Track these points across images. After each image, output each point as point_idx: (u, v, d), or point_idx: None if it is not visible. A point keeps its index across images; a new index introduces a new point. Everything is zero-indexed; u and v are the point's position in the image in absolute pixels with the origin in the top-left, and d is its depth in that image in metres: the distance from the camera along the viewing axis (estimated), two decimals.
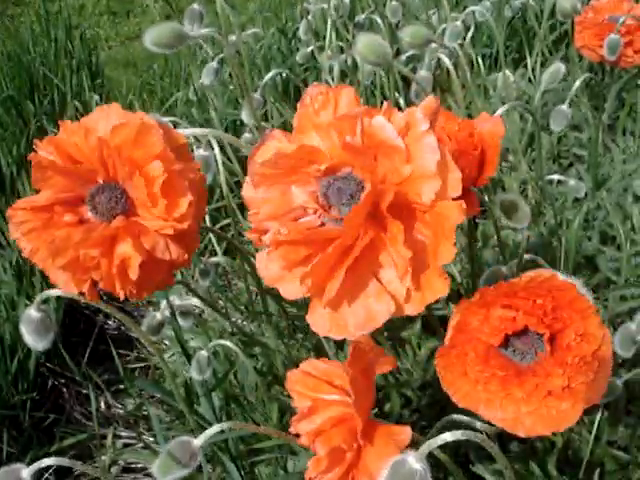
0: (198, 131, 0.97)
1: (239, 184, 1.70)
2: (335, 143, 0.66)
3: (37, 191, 0.79)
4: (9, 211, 0.77)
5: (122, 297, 0.75)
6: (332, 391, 0.74)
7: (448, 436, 0.60)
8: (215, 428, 0.72)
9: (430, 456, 0.70)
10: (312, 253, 0.64)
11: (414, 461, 0.56)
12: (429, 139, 0.62)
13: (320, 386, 0.75)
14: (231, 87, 2.16)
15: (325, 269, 0.63)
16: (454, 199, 0.63)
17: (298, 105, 0.70)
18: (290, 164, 0.67)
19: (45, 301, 0.80)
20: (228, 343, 1.05)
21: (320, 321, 0.65)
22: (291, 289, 0.66)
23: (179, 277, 1.43)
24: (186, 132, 0.88)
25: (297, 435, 0.74)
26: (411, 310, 0.63)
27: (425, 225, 0.63)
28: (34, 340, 0.80)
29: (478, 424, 0.76)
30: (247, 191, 0.71)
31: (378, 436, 0.71)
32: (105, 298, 1.76)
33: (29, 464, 0.70)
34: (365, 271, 0.64)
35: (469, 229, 1.01)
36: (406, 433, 0.71)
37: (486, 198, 0.94)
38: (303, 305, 1.29)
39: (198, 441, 0.71)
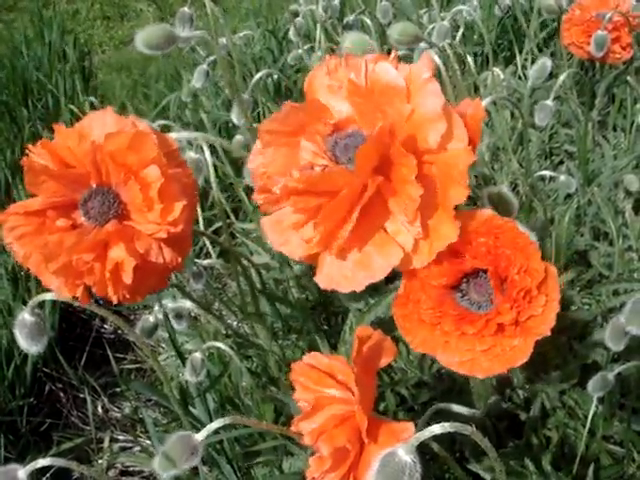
0: (186, 135, 0.98)
1: (231, 186, 1.71)
2: (343, 99, 0.68)
3: (32, 196, 0.79)
4: (1, 216, 0.78)
5: (115, 301, 0.75)
6: (335, 386, 0.73)
7: (437, 428, 0.60)
8: (216, 423, 0.72)
9: (428, 450, 0.71)
10: (322, 203, 0.64)
11: (404, 453, 0.57)
12: (432, 85, 0.64)
13: (323, 379, 0.74)
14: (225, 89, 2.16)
15: (336, 216, 0.63)
16: None
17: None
18: (299, 120, 0.68)
19: (41, 305, 0.81)
20: (222, 345, 1.05)
21: (328, 275, 0.66)
22: (297, 249, 0.68)
23: (174, 280, 1.43)
24: (176, 136, 0.88)
25: (299, 434, 0.74)
26: (419, 261, 0.65)
27: (433, 175, 0.64)
28: (28, 344, 0.81)
29: (463, 409, 0.76)
30: (254, 160, 0.72)
31: (382, 434, 0.71)
32: (101, 302, 1.77)
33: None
34: (374, 220, 0.65)
35: None
36: (410, 431, 0.71)
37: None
38: (297, 305, 1.29)
39: (199, 436, 0.71)
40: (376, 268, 0.65)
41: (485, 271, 0.69)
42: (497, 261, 0.67)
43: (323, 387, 0.74)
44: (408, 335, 0.71)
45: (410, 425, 0.71)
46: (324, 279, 0.67)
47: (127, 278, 0.73)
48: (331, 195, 0.64)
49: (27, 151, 0.77)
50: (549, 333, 0.66)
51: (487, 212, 0.69)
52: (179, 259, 0.77)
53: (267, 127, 0.70)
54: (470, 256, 0.68)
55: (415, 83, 0.65)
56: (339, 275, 0.66)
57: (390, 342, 0.75)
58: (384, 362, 0.77)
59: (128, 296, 0.76)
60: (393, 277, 1.23)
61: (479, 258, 0.68)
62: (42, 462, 0.69)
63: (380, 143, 0.63)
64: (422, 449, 0.58)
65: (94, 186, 0.77)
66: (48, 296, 0.78)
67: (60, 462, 0.70)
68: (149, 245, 0.74)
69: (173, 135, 0.86)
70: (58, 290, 0.77)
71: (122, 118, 0.78)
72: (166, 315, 1.11)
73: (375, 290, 1.25)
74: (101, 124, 0.77)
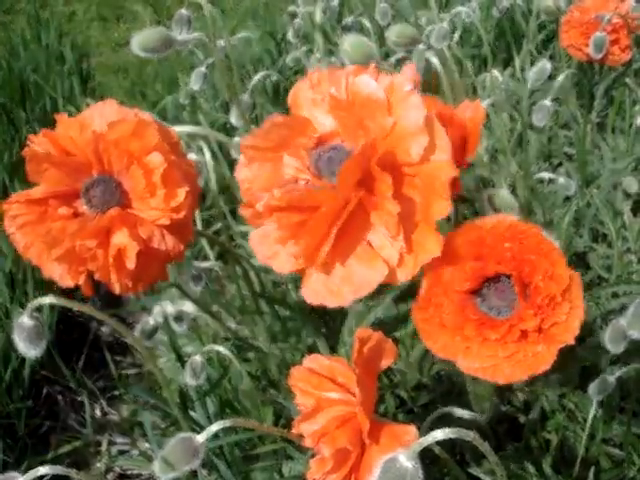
0: (188, 128, 0.98)
1: (230, 188, 1.71)
2: (327, 111, 0.68)
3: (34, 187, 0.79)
4: (4, 205, 0.78)
5: (117, 290, 0.76)
6: (335, 389, 0.73)
7: (439, 434, 0.59)
8: (217, 425, 0.72)
9: (428, 453, 0.71)
10: (305, 219, 0.64)
11: (405, 459, 0.56)
12: (414, 98, 0.64)
13: (323, 384, 0.74)
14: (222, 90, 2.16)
15: (317, 232, 0.63)
16: None
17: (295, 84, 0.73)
18: (282, 135, 0.69)
19: (39, 308, 0.80)
20: (221, 348, 1.05)
21: (313, 289, 0.66)
22: (284, 264, 0.67)
23: (173, 281, 1.43)
24: (178, 130, 0.89)
25: (300, 436, 0.73)
26: (403, 275, 0.64)
27: (415, 188, 0.64)
28: (26, 347, 0.80)
29: (466, 413, 0.76)
30: (239, 172, 0.72)
31: (384, 436, 0.71)
32: (99, 304, 1.76)
33: (24, 472, 0.69)
34: (356, 234, 0.65)
35: (456, 220, 1.01)
36: (412, 433, 0.71)
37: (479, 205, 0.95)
38: (296, 307, 1.29)
39: (200, 437, 0.71)
40: (361, 283, 0.65)
41: (506, 276, 0.69)
42: (521, 267, 0.67)
43: (323, 391, 0.74)
44: (428, 340, 0.71)
45: (412, 428, 0.71)
46: (310, 294, 0.67)
47: (130, 264, 0.74)
48: (314, 211, 0.64)
49: (28, 142, 0.77)
50: (573, 342, 0.66)
51: (511, 218, 0.69)
52: (181, 246, 0.78)
53: (249, 143, 0.70)
54: (494, 261, 0.68)
55: (396, 95, 0.65)
56: (325, 290, 0.66)
57: (391, 344, 0.75)
58: (385, 364, 0.76)
59: (130, 284, 0.76)
60: None
61: (503, 263, 0.68)
62: (42, 470, 0.68)
63: (363, 159, 0.63)
64: (423, 452, 0.58)
65: (96, 175, 0.77)
66: (47, 300, 0.78)
67: (59, 470, 0.70)
68: (152, 231, 0.75)
69: (177, 129, 0.86)
70: (60, 278, 0.77)
71: (124, 108, 0.79)
72: (166, 318, 1.10)
73: (376, 292, 1.25)
74: (103, 114, 0.78)
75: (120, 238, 0.74)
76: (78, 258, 0.74)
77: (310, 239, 0.64)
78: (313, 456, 0.72)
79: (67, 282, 0.77)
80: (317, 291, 0.66)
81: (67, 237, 0.74)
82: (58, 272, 0.77)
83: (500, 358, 0.67)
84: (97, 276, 0.75)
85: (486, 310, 0.70)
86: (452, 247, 0.70)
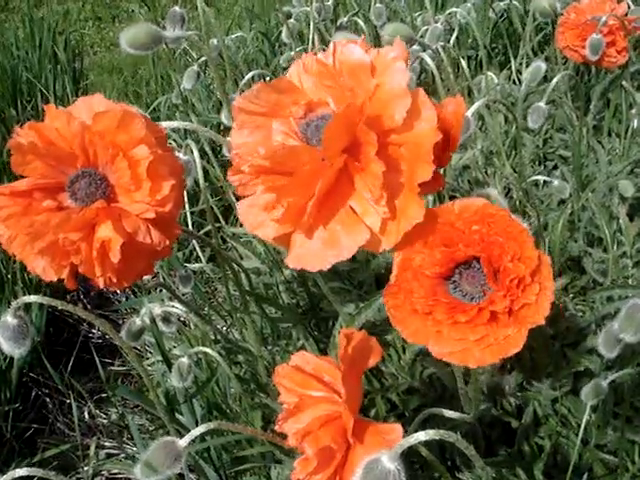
0: (177, 124, 0.97)
1: (221, 189, 1.69)
2: (315, 81, 0.70)
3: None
4: None
5: (102, 285, 0.75)
6: (320, 388, 0.73)
7: (422, 435, 0.59)
8: (201, 428, 0.71)
9: (419, 459, 0.70)
10: (290, 181, 0.65)
11: (388, 460, 0.56)
12: (398, 64, 0.66)
13: (308, 382, 0.74)
14: (215, 91, 2.15)
15: (300, 191, 0.64)
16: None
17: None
18: (271, 99, 0.71)
19: (27, 309, 0.79)
20: (209, 350, 1.04)
21: (297, 254, 0.67)
22: (270, 231, 0.68)
23: (163, 282, 1.41)
24: (166, 125, 0.88)
25: (284, 436, 0.73)
26: (388, 242, 0.65)
27: (400, 156, 0.65)
28: (10, 347, 0.78)
29: (453, 414, 0.75)
30: (234, 136, 0.72)
31: (368, 435, 0.70)
32: (88, 307, 1.75)
33: None
34: (341, 199, 0.66)
35: None
36: (397, 432, 0.70)
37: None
38: (286, 309, 1.28)
39: (183, 442, 0.70)
40: (343, 247, 0.65)
41: (477, 261, 0.68)
42: (490, 249, 0.67)
43: (308, 389, 0.73)
44: (399, 325, 0.70)
45: (397, 426, 0.71)
46: (294, 259, 0.68)
47: (114, 257, 0.72)
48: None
49: (14, 134, 0.76)
50: (543, 322, 0.65)
51: (480, 200, 0.69)
52: (167, 242, 0.76)
53: (240, 104, 0.71)
54: (463, 244, 0.68)
55: (382, 63, 0.67)
56: (308, 254, 0.67)
57: (376, 342, 0.75)
58: (372, 363, 0.76)
59: (115, 280, 0.75)
60: (383, 281, 1.21)
61: (472, 246, 0.68)
62: (19, 472, 0.67)
63: (348, 121, 0.64)
64: (412, 457, 0.57)
65: (81, 168, 0.76)
66: (33, 298, 0.76)
67: (38, 472, 0.69)
68: (137, 225, 0.74)
69: (163, 124, 0.85)
70: (44, 272, 0.76)
71: (111, 102, 0.77)
72: (153, 319, 1.09)
73: (366, 294, 1.24)
74: (90, 108, 0.77)
75: (104, 231, 0.73)
76: (61, 251, 0.73)
77: (294, 198, 0.64)
78: None
79: (50, 276, 0.76)
80: (300, 255, 0.67)
81: (50, 229, 0.73)
82: (41, 265, 0.76)
83: (470, 342, 0.66)
84: (81, 270, 0.74)
85: (459, 296, 0.69)
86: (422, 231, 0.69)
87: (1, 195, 0.76)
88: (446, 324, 0.67)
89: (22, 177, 0.77)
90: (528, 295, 0.66)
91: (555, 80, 1.26)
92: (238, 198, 0.72)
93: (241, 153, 0.71)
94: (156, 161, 0.73)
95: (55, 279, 0.76)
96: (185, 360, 1.04)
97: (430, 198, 1.16)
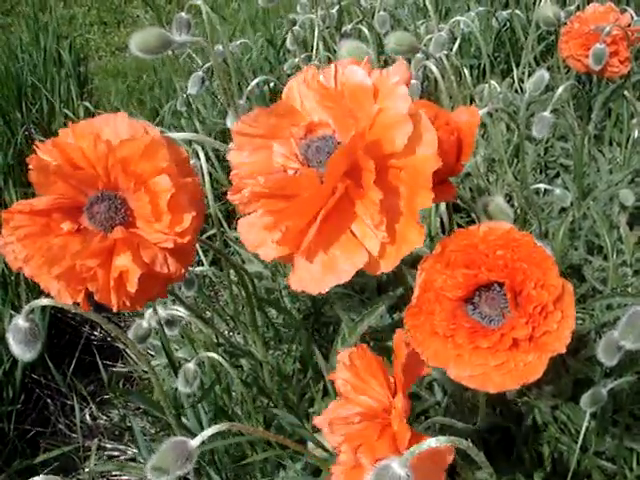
0: (183, 135, 0.97)
1: (224, 194, 1.70)
2: (316, 101, 0.69)
3: (25, 197, 0.77)
4: (4, 214, 0.76)
5: (115, 309, 0.74)
6: (376, 390, 0.73)
7: (433, 442, 0.59)
8: (212, 429, 0.71)
9: None
10: (290, 205, 0.65)
11: (398, 466, 0.56)
12: (400, 89, 0.65)
13: (375, 372, 0.74)
14: (220, 97, 2.16)
15: (301, 216, 0.65)
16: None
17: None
18: (270, 123, 0.70)
19: (30, 311, 0.79)
20: (214, 355, 1.04)
21: (298, 277, 0.67)
22: (270, 251, 0.68)
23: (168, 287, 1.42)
24: (174, 136, 0.88)
25: (314, 429, 0.73)
26: (386, 266, 0.65)
27: (400, 181, 0.65)
28: (22, 350, 0.78)
29: (457, 423, 0.75)
30: (233, 156, 0.72)
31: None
32: (91, 309, 1.75)
33: (13, 476, 0.68)
34: (341, 223, 0.66)
35: (450, 229, 1.01)
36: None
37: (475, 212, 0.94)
38: (289, 312, 1.28)
39: (194, 442, 0.70)
40: (342, 270, 0.66)
41: (498, 284, 0.69)
42: (513, 275, 0.67)
43: (372, 378, 0.73)
44: (420, 346, 0.70)
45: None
46: (295, 281, 0.68)
47: (131, 287, 0.72)
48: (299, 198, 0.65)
49: (35, 148, 0.75)
50: (564, 350, 0.66)
51: (505, 225, 0.69)
52: (182, 270, 0.76)
53: (237, 128, 0.71)
54: (486, 269, 0.68)
55: (384, 87, 0.66)
56: (308, 277, 0.67)
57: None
58: (426, 371, 0.76)
59: (129, 304, 0.74)
60: (386, 286, 1.22)
61: (495, 271, 0.68)
62: None
63: (351, 151, 0.64)
64: None
65: (101, 190, 0.75)
66: (43, 302, 0.76)
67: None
68: (155, 254, 0.73)
69: (173, 135, 0.85)
70: (58, 295, 0.75)
71: (135, 123, 0.76)
72: (160, 323, 1.09)
73: (368, 299, 1.24)
74: (113, 128, 0.76)
75: (123, 261, 0.72)
76: (78, 277, 0.73)
77: (292, 223, 0.65)
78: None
79: (66, 299, 0.74)
80: (301, 278, 0.67)
81: (68, 256, 0.72)
82: (56, 288, 0.75)
83: (491, 367, 0.66)
84: (97, 297, 0.73)
85: (478, 318, 0.69)
86: (445, 254, 0.69)
87: (20, 214, 0.75)
88: (467, 348, 0.67)
89: (29, 182, 0.76)
90: (550, 323, 0.66)
91: (560, 90, 1.27)
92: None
93: (241, 174, 0.71)
94: (177, 193, 0.72)
95: (70, 303, 0.75)
96: (191, 365, 1.04)
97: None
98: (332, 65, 0.69)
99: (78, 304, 0.75)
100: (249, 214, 0.70)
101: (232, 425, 0.77)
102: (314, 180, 0.64)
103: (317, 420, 0.76)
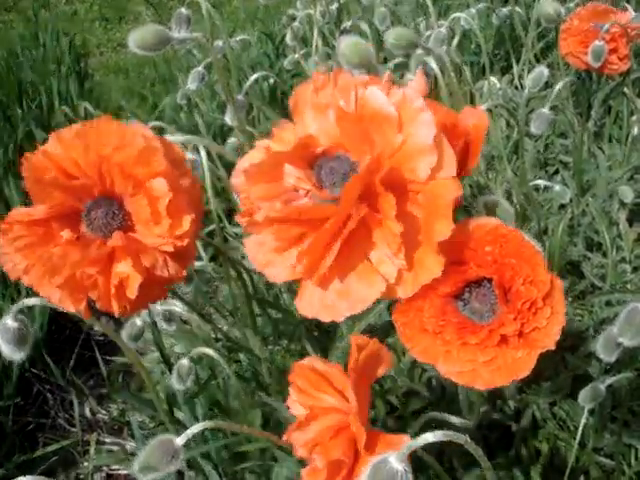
0: (182, 138, 0.97)
1: (224, 189, 1.70)
2: (331, 123, 0.66)
3: (25, 194, 0.77)
4: (3, 225, 0.75)
5: (116, 313, 0.73)
6: (332, 393, 0.71)
7: (430, 436, 0.58)
8: (198, 426, 0.71)
9: (417, 461, 0.70)
10: (305, 232, 0.63)
11: (395, 461, 0.56)
12: (425, 115, 0.62)
13: (322, 385, 0.72)
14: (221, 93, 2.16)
15: (321, 247, 0.62)
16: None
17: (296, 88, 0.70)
18: (279, 159, 0.67)
19: (30, 307, 0.79)
20: (209, 351, 1.04)
21: (308, 302, 0.65)
22: (280, 272, 0.66)
23: None
24: (171, 139, 0.87)
25: (290, 445, 0.71)
26: (403, 292, 0.63)
27: (419, 206, 0.62)
28: (10, 350, 0.78)
29: (455, 419, 0.75)
30: (237, 178, 0.71)
31: (379, 446, 0.69)
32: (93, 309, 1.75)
33: (12, 470, 0.68)
34: (357, 251, 0.63)
35: None
36: (406, 442, 0.69)
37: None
38: (288, 310, 1.28)
39: (180, 440, 0.70)
40: (358, 299, 0.63)
41: (488, 280, 0.68)
42: (502, 271, 0.67)
43: (321, 392, 0.72)
44: (408, 343, 0.69)
45: (406, 437, 0.69)
46: (305, 306, 0.66)
47: (131, 293, 0.71)
48: (313, 224, 0.62)
49: (24, 159, 0.74)
50: (554, 347, 0.65)
51: (493, 221, 0.68)
52: (183, 272, 0.75)
53: (245, 168, 0.68)
54: (475, 264, 0.67)
55: (407, 111, 0.63)
56: (320, 304, 0.65)
57: (386, 351, 0.73)
58: (381, 372, 0.75)
59: (130, 309, 0.74)
60: None
61: (484, 267, 0.67)
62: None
63: (368, 177, 0.61)
64: (410, 460, 0.57)
65: (98, 196, 0.75)
66: (33, 301, 0.76)
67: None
68: (155, 259, 0.73)
69: (171, 138, 0.85)
70: (60, 302, 0.74)
71: (128, 127, 0.74)
72: (154, 320, 1.09)
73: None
74: (107, 133, 0.74)
75: (123, 268, 0.72)
76: (79, 285, 0.72)
77: (312, 255, 0.62)
78: (302, 460, 0.71)
79: (68, 307, 0.74)
80: (312, 304, 0.65)
81: (68, 265, 0.71)
82: (57, 296, 0.74)
83: (479, 363, 0.66)
84: (98, 305, 0.72)
85: (468, 314, 0.69)
86: None
87: (19, 224, 0.75)
88: (455, 344, 0.67)
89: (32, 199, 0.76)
90: (539, 319, 0.65)
91: (558, 86, 1.27)
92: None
93: (252, 197, 0.68)
94: (175, 196, 0.72)
95: (73, 310, 0.74)
96: (185, 362, 1.03)
97: None
98: (351, 85, 0.65)
99: (80, 311, 0.75)
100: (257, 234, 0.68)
101: (218, 424, 0.76)
102: (332, 211, 0.62)
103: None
